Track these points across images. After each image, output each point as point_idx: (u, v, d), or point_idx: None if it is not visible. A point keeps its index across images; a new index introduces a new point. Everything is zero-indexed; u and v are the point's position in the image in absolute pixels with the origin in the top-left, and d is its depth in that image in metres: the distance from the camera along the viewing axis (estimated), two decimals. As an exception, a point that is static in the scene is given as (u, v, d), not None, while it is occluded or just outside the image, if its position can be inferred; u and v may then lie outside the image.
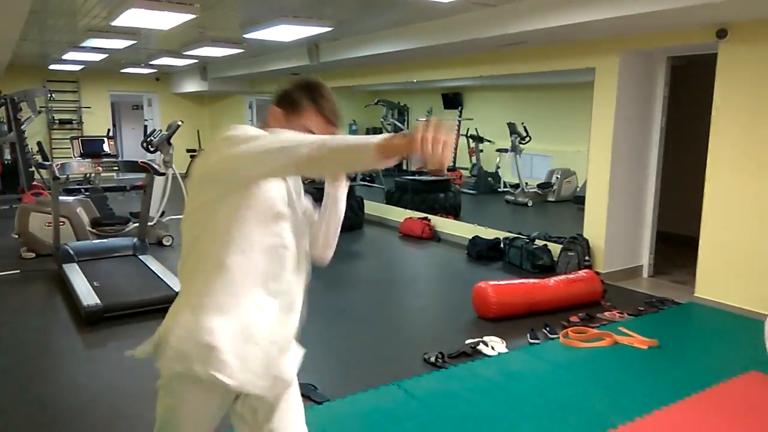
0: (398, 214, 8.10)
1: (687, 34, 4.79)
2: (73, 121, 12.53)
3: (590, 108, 5.63)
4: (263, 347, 1.50)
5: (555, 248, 5.88)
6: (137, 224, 6.40)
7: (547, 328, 4.19)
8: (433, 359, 3.65)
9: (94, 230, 6.49)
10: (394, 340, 4.11)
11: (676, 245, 6.48)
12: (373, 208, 8.62)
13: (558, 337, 4.06)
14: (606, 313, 4.57)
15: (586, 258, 5.53)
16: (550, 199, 10.04)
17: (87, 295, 4.51)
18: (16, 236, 6.21)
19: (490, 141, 11.37)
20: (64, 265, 5.32)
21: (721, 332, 4.32)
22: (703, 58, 5.03)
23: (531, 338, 4.06)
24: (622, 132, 5.44)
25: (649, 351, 3.86)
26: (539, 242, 6.02)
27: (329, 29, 6.20)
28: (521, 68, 6.32)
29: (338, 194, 1.73)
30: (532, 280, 4.74)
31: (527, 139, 10.22)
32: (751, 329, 4.25)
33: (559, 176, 10.09)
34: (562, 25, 4.74)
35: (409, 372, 3.50)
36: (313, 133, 1.52)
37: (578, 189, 9.76)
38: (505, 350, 3.85)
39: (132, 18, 5.37)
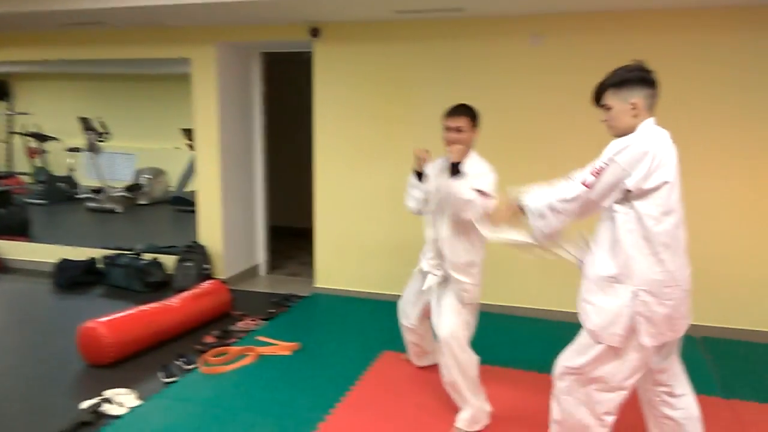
0: (-63, 243, 5.95)
1: (281, 29, 4.78)
2: None
3: (180, 102, 5.17)
4: None
5: (167, 260, 5.23)
6: None
7: (183, 359, 3.59)
8: (41, 447, 2.63)
9: None
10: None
11: (285, 238, 6.64)
12: None
13: (198, 367, 3.52)
14: (240, 324, 4.24)
15: (206, 266, 5.08)
16: (142, 202, 9.13)
17: None
18: None
19: (56, 139, 9.60)
20: None
21: (349, 319, 4.48)
22: (298, 56, 5.14)
23: (166, 377, 3.39)
24: (228, 128, 5.15)
25: (294, 356, 3.70)
26: (147, 256, 5.26)
27: None
28: (100, 53, 5.34)
29: None
30: (152, 305, 4.00)
31: (106, 135, 9.01)
32: (372, 311, 4.58)
33: (149, 176, 9.26)
34: (149, 5, 4.11)
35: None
36: None
37: (171, 189, 9.18)
38: (139, 402, 3.09)
39: None
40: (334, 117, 4.81)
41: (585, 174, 2.11)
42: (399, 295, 3.46)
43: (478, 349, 2.93)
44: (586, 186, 2.09)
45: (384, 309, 4.50)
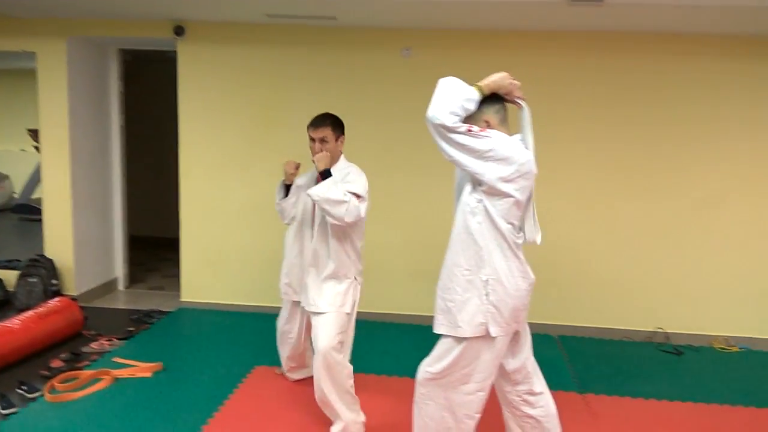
0: None
1: (141, 25, 4.47)
2: None
3: (27, 100, 4.68)
4: None
5: (8, 276, 4.67)
6: None
7: (25, 387, 3.19)
8: None
9: None
10: None
11: (148, 249, 6.20)
12: None
13: (42, 395, 3.14)
14: (94, 345, 3.87)
15: (54, 282, 4.59)
16: (-20, 210, 8.11)
17: None
18: None
19: None
20: None
21: (219, 334, 4.24)
22: (162, 54, 4.84)
23: (4, 408, 2.99)
24: (80, 129, 4.71)
25: (155, 378, 3.44)
26: (-17, 271, 4.66)
27: None
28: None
29: None
30: (-13, 328, 3.53)
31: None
32: (243, 324, 4.39)
33: (-12, 182, 8.24)
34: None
35: None
36: None
37: (16, 196, 8.25)
38: (-32, 441, 2.70)
39: None
40: (201, 121, 4.58)
41: None
42: (273, 307, 3.34)
43: (352, 358, 2.90)
44: None
45: (256, 322, 4.34)
